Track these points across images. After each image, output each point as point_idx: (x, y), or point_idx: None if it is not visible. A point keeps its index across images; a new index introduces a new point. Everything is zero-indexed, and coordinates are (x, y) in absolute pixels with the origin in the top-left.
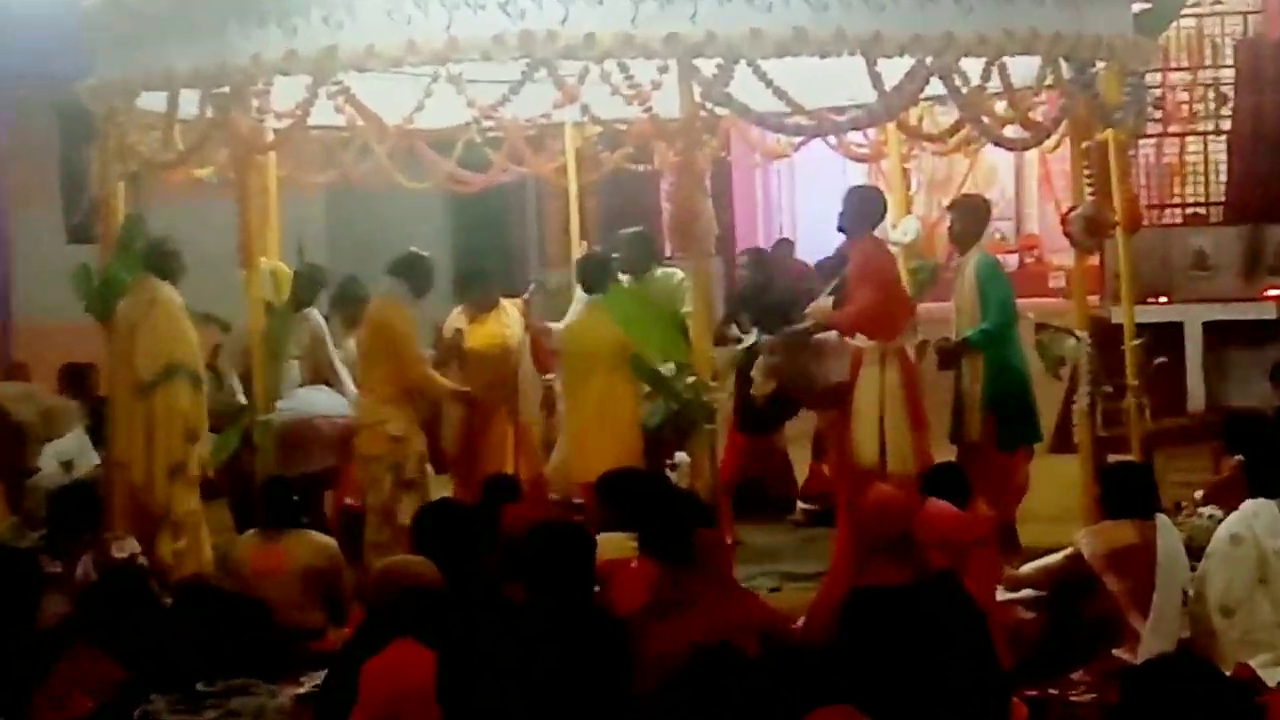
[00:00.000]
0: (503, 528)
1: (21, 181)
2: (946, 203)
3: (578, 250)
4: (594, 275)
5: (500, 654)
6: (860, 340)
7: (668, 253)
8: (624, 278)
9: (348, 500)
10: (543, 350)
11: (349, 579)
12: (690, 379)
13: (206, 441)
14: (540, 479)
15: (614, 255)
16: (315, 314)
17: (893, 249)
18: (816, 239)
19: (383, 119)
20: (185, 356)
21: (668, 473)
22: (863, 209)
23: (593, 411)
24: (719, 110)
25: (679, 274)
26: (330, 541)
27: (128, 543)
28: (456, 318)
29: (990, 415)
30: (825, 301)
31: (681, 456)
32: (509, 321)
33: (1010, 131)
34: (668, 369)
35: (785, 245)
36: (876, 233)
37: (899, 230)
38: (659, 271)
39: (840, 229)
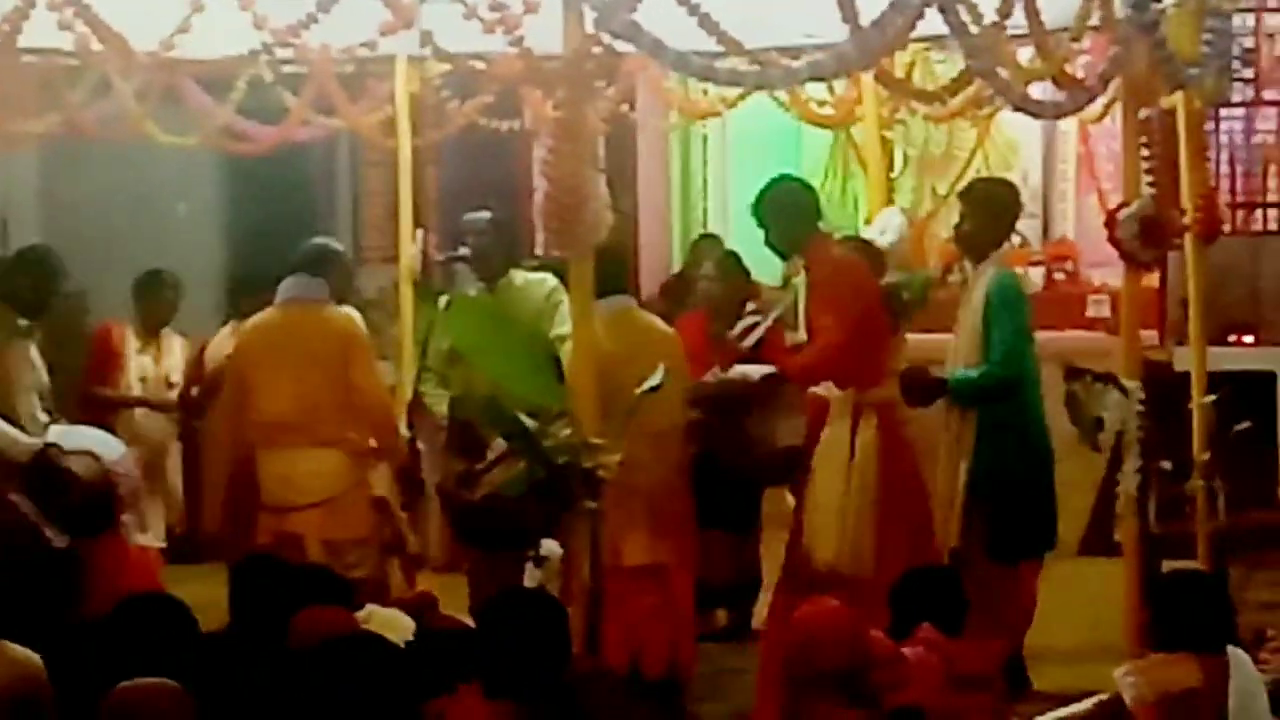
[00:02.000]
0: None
1: None
2: (945, 189)
3: (409, 240)
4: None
5: None
6: (826, 388)
7: (537, 249)
8: (472, 285)
9: None
10: None
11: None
12: (565, 433)
13: None
14: None
15: (460, 251)
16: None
17: None
18: (754, 234)
19: (130, 42)
20: None
21: (529, 570)
22: (796, 206)
23: None
24: (620, 47)
25: (551, 281)
26: (32, 658)
27: None
28: (227, 338)
29: (980, 507)
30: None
31: (550, 546)
32: None
33: (1038, 91)
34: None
35: (711, 244)
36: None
37: (876, 227)
38: (521, 278)
39: (769, 244)
